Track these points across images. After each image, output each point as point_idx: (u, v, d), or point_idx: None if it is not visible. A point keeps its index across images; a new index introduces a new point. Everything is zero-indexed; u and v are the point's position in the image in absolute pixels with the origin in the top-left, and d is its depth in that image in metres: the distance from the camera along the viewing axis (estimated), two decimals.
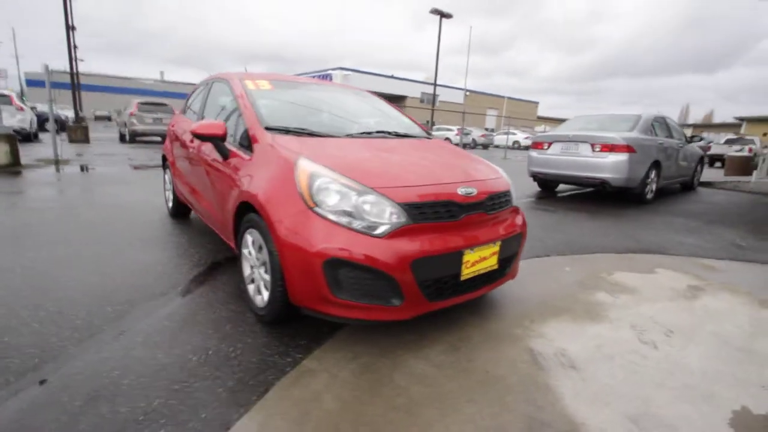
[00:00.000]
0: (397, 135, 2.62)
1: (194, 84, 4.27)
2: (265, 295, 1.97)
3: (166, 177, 4.10)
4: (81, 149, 10.99)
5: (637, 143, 5.70)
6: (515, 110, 50.38)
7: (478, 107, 42.52)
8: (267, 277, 1.91)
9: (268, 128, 2.20)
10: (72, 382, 1.54)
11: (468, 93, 44.21)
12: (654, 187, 6.26)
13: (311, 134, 2.27)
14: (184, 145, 3.22)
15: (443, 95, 38.96)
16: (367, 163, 1.96)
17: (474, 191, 1.95)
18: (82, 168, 7.40)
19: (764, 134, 28.45)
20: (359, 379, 1.65)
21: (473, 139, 25.78)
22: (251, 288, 2.14)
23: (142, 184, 5.98)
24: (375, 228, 1.67)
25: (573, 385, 1.67)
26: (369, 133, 2.55)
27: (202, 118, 3.09)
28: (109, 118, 39.05)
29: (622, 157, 5.57)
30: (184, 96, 4.26)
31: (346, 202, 1.71)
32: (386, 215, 1.69)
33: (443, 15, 22.00)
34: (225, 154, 2.33)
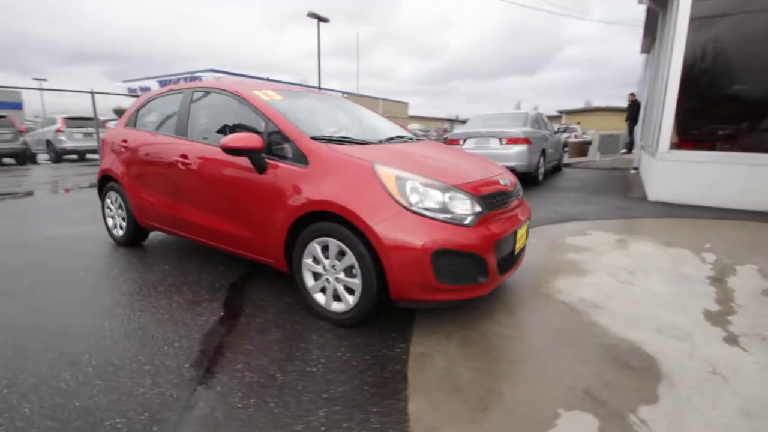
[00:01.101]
0: (410, 139, 2.88)
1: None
2: (350, 299, 2.04)
3: (108, 201, 3.52)
4: None
5: (531, 136, 6.96)
6: (390, 110, 53.56)
7: None
8: (355, 281, 2.00)
9: (313, 138, 2.23)
10: (214, 421, 1.44)
11: (345, 95, 45.32)
12: (542, 170, 7.71)
13: (351, 142, 2.38)
14: (164, 162, 2.87)
15: None
16: (426, 165, 2.19)
17: (508, 182, 2.36)
18: None
19: (578, 123, 36.27)
20: (469, 351, 1.91)
21: None
22: (320, 297, 2.17)
23: (38, 214, 4.85)
24: (464, 219, 1.94)
25: (607, 319, 2.21)
26: (391, 138, 2.74)
27: (185, 131, 2.82)
28: None
29: (523, 147, 6.74)
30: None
31: (433, 199, 1.93)
32: (469, 207, 1.97)
33: (320, 19, 22.25)
34: (263, 168, 2.26)
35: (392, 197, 1.91)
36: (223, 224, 2.56)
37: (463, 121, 18.99)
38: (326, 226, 2.05)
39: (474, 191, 2.04)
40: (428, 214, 1.89)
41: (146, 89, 27.02)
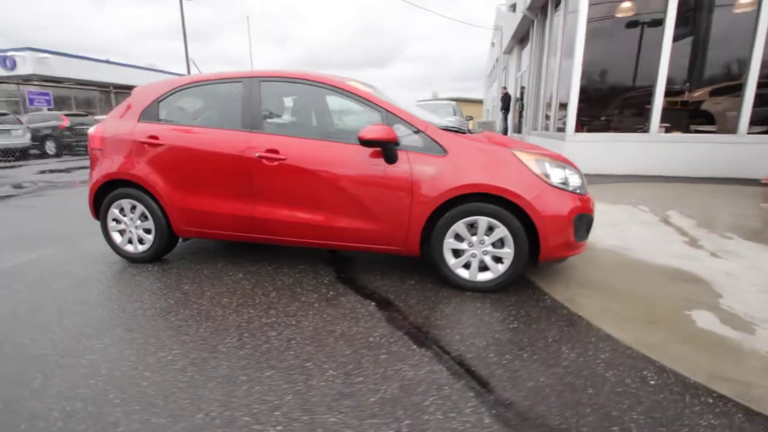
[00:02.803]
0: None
1: None
2: (499, 267, 2.36)
3: (116, 212, 2.90)
4: None
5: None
6: None
7: None
8: (505, 250, 2.32)
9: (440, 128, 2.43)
10: (533, 390, 1.65)
11: None
12: None
13: (457, 131, 2.63)
14: (236, 159, 2.56)
15: None
16: (529, 148, 2.62)
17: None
18: None
19: None
20: (591, 291, 2.46)
21: None
22: (463, 272, 2.43)
23: None
24: (579, 188, 2.45)
25: (639, 255, 3.04)
26: (468, 129, 3.05)
27: (260, 124, 2.59)
28: None
29: None
30: None
31: (559, 175, 2.39)
32: (578, 180, 2.49)
33: None
34: (394, 159, 2.35)
35: (537, 176, 2.29)
36: (334, 220, 2.51)
37: None
38: (473, 207, 2.31)
39: (576, 167, 2.57)
40: (562, 186, 2.34)
41: None
